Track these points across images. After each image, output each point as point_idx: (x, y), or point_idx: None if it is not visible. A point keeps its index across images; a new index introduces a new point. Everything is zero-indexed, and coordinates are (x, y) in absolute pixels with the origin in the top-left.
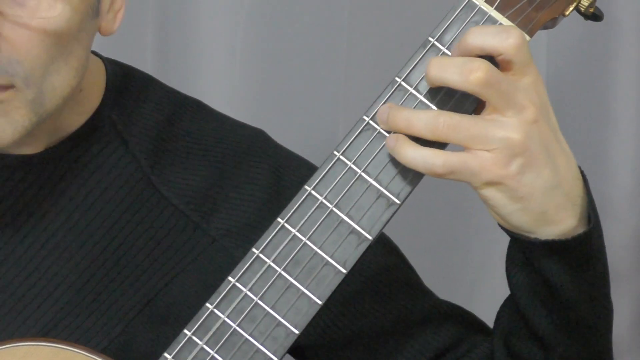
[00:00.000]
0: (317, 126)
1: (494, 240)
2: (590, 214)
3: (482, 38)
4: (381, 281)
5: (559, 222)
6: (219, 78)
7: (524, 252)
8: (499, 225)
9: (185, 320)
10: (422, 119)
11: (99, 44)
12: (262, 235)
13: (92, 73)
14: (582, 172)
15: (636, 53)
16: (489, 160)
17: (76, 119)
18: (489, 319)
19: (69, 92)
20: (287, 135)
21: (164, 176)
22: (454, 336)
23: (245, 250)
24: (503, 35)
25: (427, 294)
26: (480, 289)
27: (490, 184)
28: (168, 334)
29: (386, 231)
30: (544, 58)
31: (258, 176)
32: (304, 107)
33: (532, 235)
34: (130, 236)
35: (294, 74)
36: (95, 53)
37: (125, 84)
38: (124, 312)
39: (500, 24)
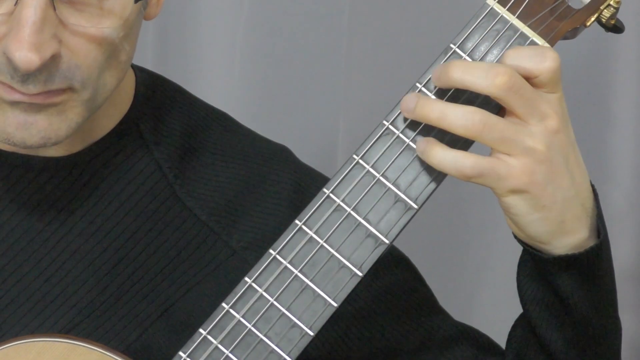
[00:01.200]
0: (317, 126)
1: (494, 240)
2: (600, 227)
3: (517, 61)
4: (392, 298)
5: (574, 233)
6: (219, 78)
7: (537, 266)
8: (514, 236)
9: None
10: (458, 113)
11: None
12: None
13: (123, 80)
14: (592, 186)
15: (636, 53)
16: (516, 167)
17: (105, 123)
18: (489, 320)
19: (117, 84)
20: (287, 135)
21: (187, 186)
22: (468, 358)
23: None
24: (538, 59)
25: (441, 313)
26: (480, 289)
27: (515, 191)
28: (185, 342)
29: None
30: None
31: (280, 191)
32: (304, 108)
33: (546, 247)
34: (152, 244)
35: (294, 75)
36: None
37: (154, 93)
38: (142, 318)
39: (522, 32)
